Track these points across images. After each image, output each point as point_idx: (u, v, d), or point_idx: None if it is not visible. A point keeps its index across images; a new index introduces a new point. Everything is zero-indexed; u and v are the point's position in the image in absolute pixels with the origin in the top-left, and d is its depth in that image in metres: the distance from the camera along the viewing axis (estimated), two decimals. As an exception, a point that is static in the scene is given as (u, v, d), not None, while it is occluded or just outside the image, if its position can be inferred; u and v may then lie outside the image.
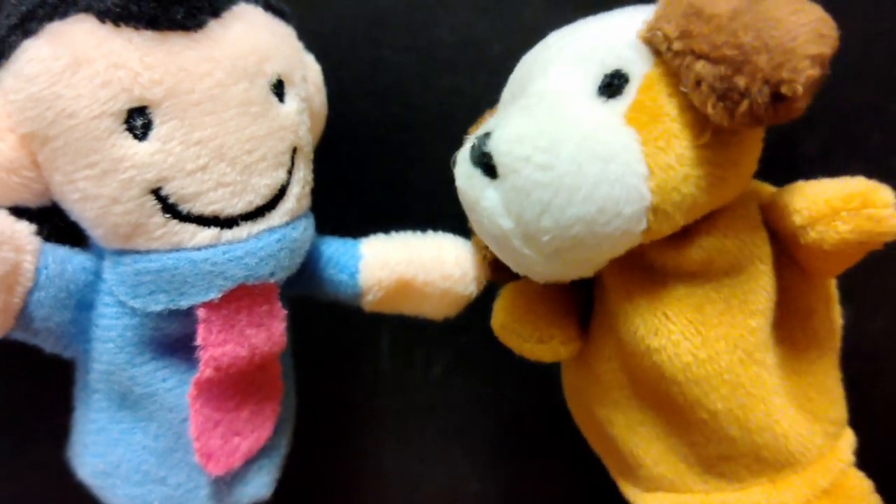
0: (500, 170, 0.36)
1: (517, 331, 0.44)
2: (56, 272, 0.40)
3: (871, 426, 0.44)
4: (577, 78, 0.38)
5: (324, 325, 0.45)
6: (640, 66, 0.37)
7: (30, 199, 0.40)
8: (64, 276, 0.40)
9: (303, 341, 0.50)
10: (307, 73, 0.46)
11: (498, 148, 0.36)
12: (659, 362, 0.39)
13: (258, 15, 0.42)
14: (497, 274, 0.47)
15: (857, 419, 0.45)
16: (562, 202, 0.34)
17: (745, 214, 0.39)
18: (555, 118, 0.36)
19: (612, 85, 0.37)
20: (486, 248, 0.46)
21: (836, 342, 0.43)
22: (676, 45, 0.34)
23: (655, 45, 0.36)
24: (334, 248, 0.48)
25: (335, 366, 0.54)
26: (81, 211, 0.39)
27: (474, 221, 0.40)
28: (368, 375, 0.63)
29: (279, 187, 0.42)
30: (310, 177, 0.45)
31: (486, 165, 0.36)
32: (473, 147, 0.37)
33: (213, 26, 0.39)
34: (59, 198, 0.39)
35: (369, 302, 0.49)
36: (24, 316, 0.39)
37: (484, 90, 0.54)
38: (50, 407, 0.57)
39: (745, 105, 0.32)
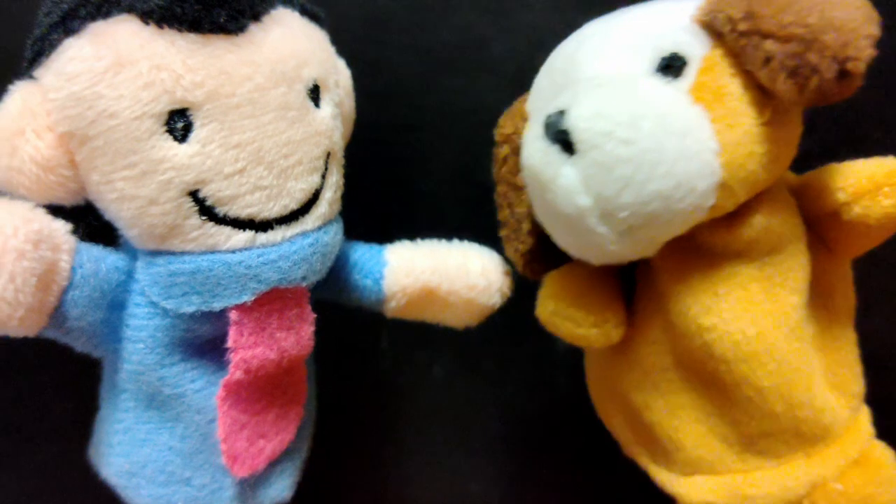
0: (579, 146, 0.36)
1: (571, 316, 0.43)
2: (90, 271, 0.40)
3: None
4: (633, 61, 0.38)
5: (324, 325, 0.45)
6: (696, 49, 0.38)
7: (65, 198, 0.40)
8: (98, 276, 0.40)
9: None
10: (339, 78, 0.46)
11: (577, 125, 0.36)
12: (710, 341, 0.39)
13: (295, 19, 0.43)
14: (529, 265, 0.47)
15: None
16: (643, 177, 0.35)
17: (783, 196, 0.40)
18: (630, 95, 0.36)
19: (672, 66, 0.38)
20: (518, 240, 0.46)
21: (853, 319, 0.44)
22: (742, 26, 0.35)
23: (717, 27, 0.37)
24: (360, 254, 0.49)
25: (336, 366, 0.55)
26: (118, 211, 0.39)
27: (546, 201, 0.39)
28: (369, 376, 0.64)
29: (314, 192, 0.42)
30: (341, 181, 0.45)
31: (564, 142, 0.36)
32: (549, 125, 0.37)
33: (254, 30, 0.40)
34: (95, 197, 0.39)
35: (392, 308, 0.49)
36: (57, 314, 0.39)
37: (485, 91, 0.54)
38: (50, 407, 0.57)
39: (815, 81, 0.34)
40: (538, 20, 0.53)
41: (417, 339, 0.60)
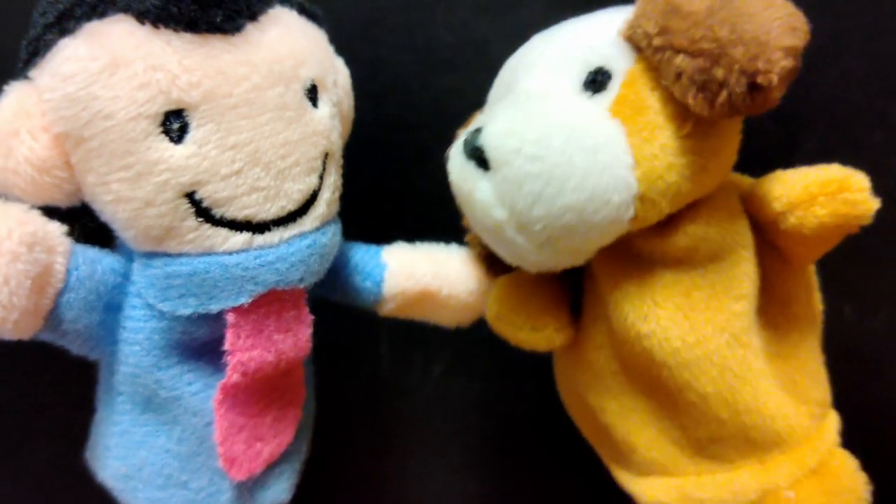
0: (492, 162, 0.37)
1: (512, 320, 0.45)
2: (86, 274, 0.39)
3: (872, 426, 0.46)
4: (562, 75, 0.39)
5: (323, 326, 0.45)
6: (622, 63, 0.39)
7: (61, 200, 0.39)
8: (94, 278, 0.40)
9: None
10: (338, 78, 0.46)
11: (489, 141, 0.37)
12: (649, 347, 0.40)
13: (293, 19, 0.42)
14: (491, 268, 0.48)
15: (858, 419, 0.45)
16: (553, 192, 0.36)
17: (726, 204, 0.40)
18: (543, 112, 0.37)
19: (596, 81, 0.39)
20: (480, 244, 0.47)
21: (818, 327, 0.45)
22: (656, 41, 0.36)
23: (636, 41, 0.38)
24: (360, 256, 0.49)
25: (334, 367, 0.54)
26: (114, 213, 0.38)
27: (468, 214, 0.41)
28: (368, 376, 0.63)
29: (311, 192, 0.41)
30: (339, 182, 0.45)
31: (479, 158, 0.38)
32: (466, 141, 0.39)
33: (251, 30, 0.39)
34: (91, 199, 0.39)
35: (388, 309, 0.49)
36: (53, 317, 0.39)
37: (482, 90, 0.54)
38: (50, 407, 0.57)
39: (723, 95, 0.34)
40: (535, 19, 0.53)
41: (415, 339, 0.60)
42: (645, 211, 0.37)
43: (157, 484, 0.43)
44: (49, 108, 0.37)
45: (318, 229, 0.42)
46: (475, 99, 0.54)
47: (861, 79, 0.52)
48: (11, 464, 0.58)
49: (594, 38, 0.40)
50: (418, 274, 0.48)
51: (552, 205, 0.36)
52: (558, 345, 0.46)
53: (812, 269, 0.44)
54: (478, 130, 0.38)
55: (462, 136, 0.40)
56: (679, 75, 0.35)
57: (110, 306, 0.41)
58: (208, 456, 0.43)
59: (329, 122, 0.43)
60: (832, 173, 0.37)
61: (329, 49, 0.45)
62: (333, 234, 0.44)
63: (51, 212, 0.39)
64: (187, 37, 0.37)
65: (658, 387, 0.41)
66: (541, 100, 0.38)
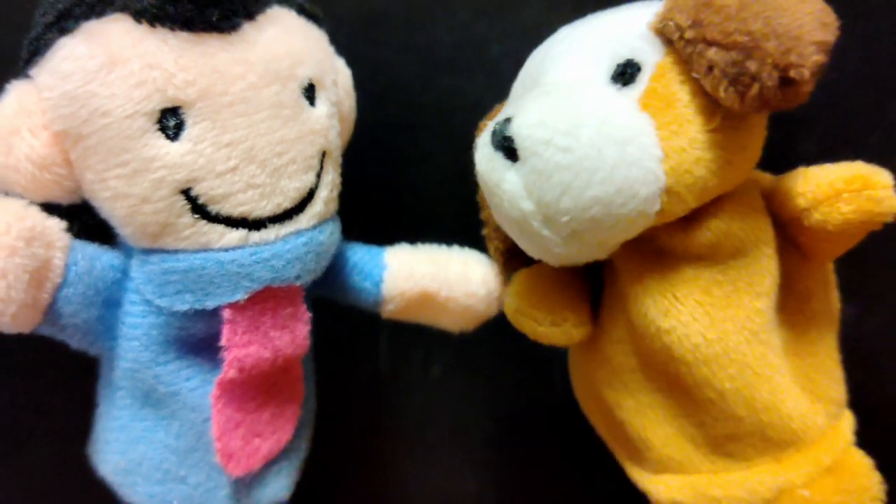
0: (521, 153, 0.37)
1: (532, 314, 0.45)
2: (85, 269, 0.40)
3: (872, 426, 0.45)
4: (590, 67, 0.39)
5: (322, 324, 0.45)
6: (651, 56, 0.38)
7: (61, 196, 0.40)
8: (92, 274, 0.40)
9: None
10: (338, 78, 0.46)
11: (519, 132, 0.37)
12: (669, 343, 0.40)
13: (292, 19, 0.43)
14: (508, 263, 0.48)
15: (858, 419, 0.45)
16: (581, 184, 0.36)
17: (749, 200, 0.40)
18: (573, 103, 0.37)
19: (626, 73, 0.38)
20: (498, 238, 0.47)
21: (835, 325, 0.44)
22: (688, 34, 0.36)
23: (667, 34, 0.38)
24: (360, 256, 0.49)
25: (334, 365, 0.55)
26: (112, 209, 0.39)
27: (494, 205, 0.40)
28: (367, 375, 0.63)
29: (308, 190, 0.42)
30: (338, 181, 0.45)
31: (508, 149, 0.37)
32: (495, 132, 0.38)
33: (248, 29, 0.40)
34: (90, 196, 0.40)
35: (389, 310, 0.49)
36: (51, 312, 0.39)
37: (483, 90, 0.54)
38: (50, 407, 0.58)
39: (755, 89, 0.34)
40: (536, 20, 0.53)
41: (416, 338, 0.60)
42: (671, 205, 0.37)
43: (156, 478, 0.44)
44: (48, 106, 0.38)
45: (315, 227, 0.43)
46: (475, 99, 0.54)
47: (860, 79, 0.51)
48: (11, 464, 0.59)
49: (623, 30, 0.40)
50: (417, 275, 0.48)
51: (580, 197, 0.36)
52: (577, 340, 0.45)
53: (830, 266, 0.44)
54: (507, 121, 0.37)
55: (489, 126, 0.39)
56: (711, 68, 0.35)
57: (109, 302, 0.42)
58: (206, 451, 0.43)
59: (327, 120, 0.43)
60: (857, 170, 0.37)
61: (329, 49, 0.46)
62: (331, 232, 0.44)
63: (52, 209, 0.40)
64: (184, 36, 0.38)
65: (676, 383, 0.41)
66: (570, 91, 0.38)
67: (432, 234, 0.51)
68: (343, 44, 0.47)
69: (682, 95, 0.37)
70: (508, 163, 0.37)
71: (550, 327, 0.44)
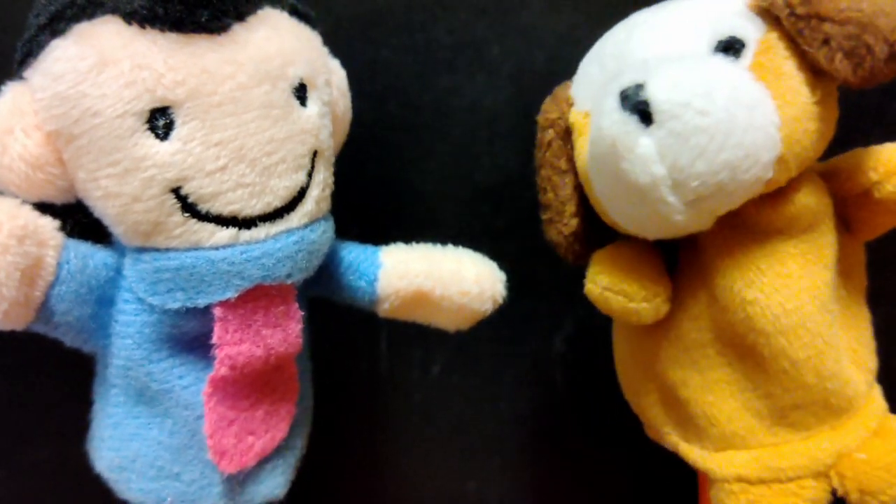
0: (657, 116, 0.37)
1: (624, 291, 0.44)
2: (77, 268, 0.40)
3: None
4: (693, 44, 0.40)
5: (322, 324, 0.45)
6: (752, 32, 0.40)
7: (54, 196, 0.40)
8: (85, 272, 0.41)
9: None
10: (331, 78, 0.46)
11: (657, 96, 0.37)
12: (752, 314, 0.41)
13: (283, 19, 0.43)
14: (571, 247, 0.48)
15: None
16: (716, 147, 0.36)
17: (814, 176, 0.42)
18: (703, 69, 0.38)
19: (732, 48, 0.40)
20: (561, 221, 0.47)
21: (865, 299, 0.47)
22: (800, 10, 0.38)
23: (775, 11, 0.39)
24: (355, 255, 0.49)
25: (334, 365, 0.55)
26: (104, 208, 0.39)
27: (619, 171, 0.39)
28: (367, 375, 0.64)
29: (298, 190, 0.42)
30: (330, 180, 0.45)
31: (643, 113, 0.37)
32: (627, 97, 0.38)
33: (238, 30, 0.40)
34: (83, 195, 0.40)
35: (385, 309, 0.49)
36: (44, 310, 0.40)
37: (482, 90, 0.54)
38: (50, 407, 0.58)
39: (869, 60, 0.37)
40: (535, 20, 0.53)
41: (415, 337, 0.60)
42: (779, 173, 0.39)
43: (150, 475, 0.44)
44: (41, 107, 0.38)
45: (306, 226, 0.43)
46: (475, 99, 0.55)
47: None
48: (12, 464, 0.59)
49: (718, 9, 0.41)
50: (411, 273, 0.48)
51: (714, 160, 0.36)
52: (663, 315, 0.45)
53: (863, 244, 0.46)
54: (639, 86, 0.37)
55: (613, 92, 0.39)
56: (826, 41, 0.37)
57: (103, 300, 0.42)
58: (199, 448, 0.44)
59: (318, 120, 0.43)
60: None
61: (321, 49, 0.46)
62: (324, 231, 0.44)
63: (46, 208, 0.40)
64: (173, 36, 0.38)
65: (750, 356, 0.42)
66: (692, 59, 0.39)
67: (431, 234, 0.51)
68: (342, 44, 0.47)
69: (787, 69, 0.39)
70: (643, 127, 0.37)
71: (642, 303, 0.44)
